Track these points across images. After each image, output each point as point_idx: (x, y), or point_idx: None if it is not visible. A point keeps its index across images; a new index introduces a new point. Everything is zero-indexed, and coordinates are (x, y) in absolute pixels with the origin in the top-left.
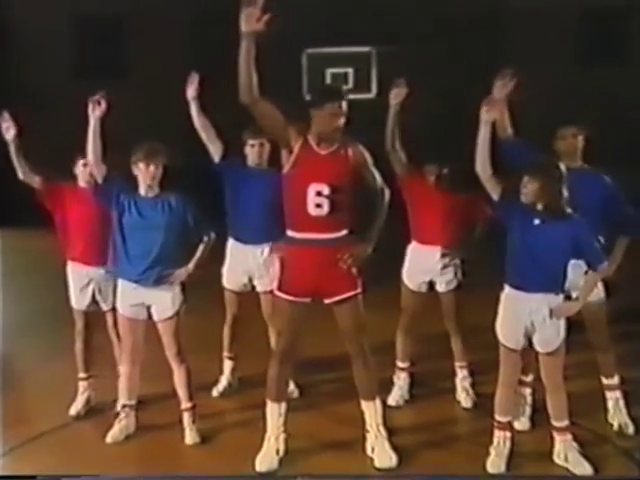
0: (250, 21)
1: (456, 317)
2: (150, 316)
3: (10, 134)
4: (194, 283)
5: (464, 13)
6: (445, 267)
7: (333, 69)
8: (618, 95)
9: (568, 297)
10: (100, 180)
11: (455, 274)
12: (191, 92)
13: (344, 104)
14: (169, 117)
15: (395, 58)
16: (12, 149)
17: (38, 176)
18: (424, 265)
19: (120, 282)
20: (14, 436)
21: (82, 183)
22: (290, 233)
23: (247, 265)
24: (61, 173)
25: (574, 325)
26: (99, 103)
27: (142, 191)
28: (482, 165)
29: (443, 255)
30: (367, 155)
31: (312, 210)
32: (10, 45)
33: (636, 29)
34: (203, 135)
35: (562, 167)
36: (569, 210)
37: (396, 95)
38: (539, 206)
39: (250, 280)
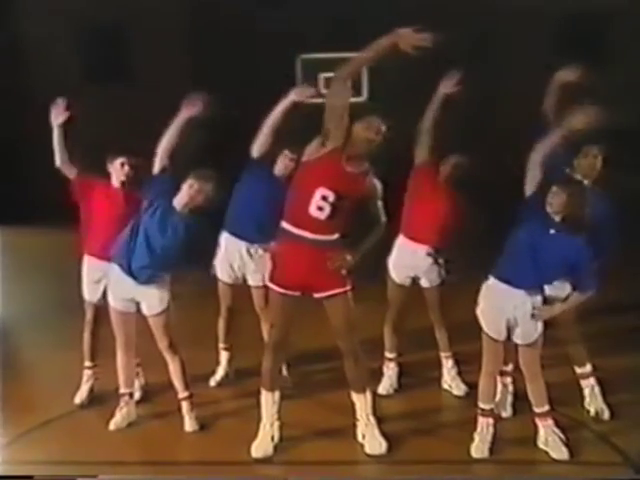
0: None
1: (440, 310)
2: (140, 310)
3: (59, 120)
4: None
5: (453, 18)
6: (430, 265)
7: (326, 74)
8: (598, 95)
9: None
10: (157, 171)
11: (439, 272)
12: (295, 95)
13: (383, 126)
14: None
15: (385, 64)
16: (56, 134)
17: (75, 168)
18: (409, 261)
19: (112, 275)
20: (23, 423)
21: (115, 182)
22: (286, 226)
23: (240, 259)
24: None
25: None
26: (193, 105)
27: (176, 203)
28: (542, 154)
29: (429, 254)
30: (379, 190)
31: (313, 211)
32: (20, 52)
33: (614, 32)
34: (268, 128)
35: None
36: (585, 229)
37: (445, 85)
38: (558, 217)
39: (243, 274)
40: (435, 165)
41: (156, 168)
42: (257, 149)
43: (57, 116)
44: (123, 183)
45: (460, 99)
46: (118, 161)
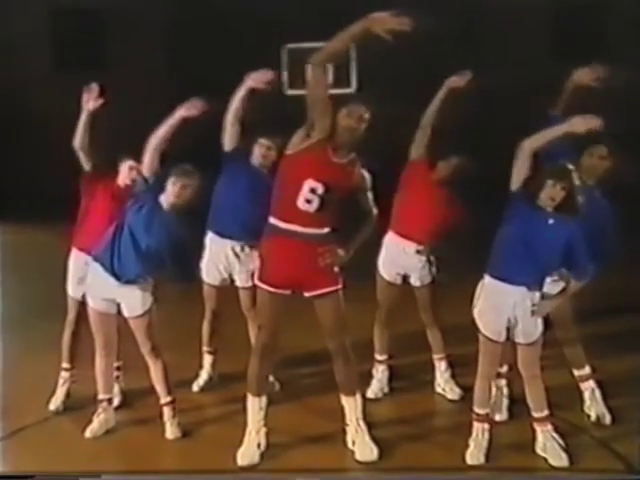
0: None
1: (432, 310)
2: (120, 311)
3: (89, 106)
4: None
5: (443, 12)
6: (420, 263)
7: None
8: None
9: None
10: (148, 174)
11: (429, 270)
12: (252, 81)
13: (366, 113)
14: (152, 110)
15: (374, 54)
16: (83, 118)
17: (92, 161)
18: (399, 259)
19: (92, 275)
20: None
21: (121, 182)
22: (273, 221)
23: (226, 260)
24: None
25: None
26: (193, 107)
27: (162, 201)
28: (535, 145)
29: (418, 252)
30: (368, 181)
31: (301, 204)
32: None
33: (609, 25)
34: (230, 118)
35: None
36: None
37: (453, 82)
38: (551, 207)
39: (230, 275)
40: (431, 162)
41: (146, 170)
42: (227, 142)
43: (87, 101)
44: (127, 186)
45: (465, 96)
46: (127, 164)
